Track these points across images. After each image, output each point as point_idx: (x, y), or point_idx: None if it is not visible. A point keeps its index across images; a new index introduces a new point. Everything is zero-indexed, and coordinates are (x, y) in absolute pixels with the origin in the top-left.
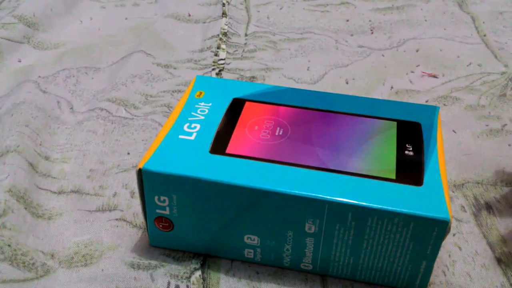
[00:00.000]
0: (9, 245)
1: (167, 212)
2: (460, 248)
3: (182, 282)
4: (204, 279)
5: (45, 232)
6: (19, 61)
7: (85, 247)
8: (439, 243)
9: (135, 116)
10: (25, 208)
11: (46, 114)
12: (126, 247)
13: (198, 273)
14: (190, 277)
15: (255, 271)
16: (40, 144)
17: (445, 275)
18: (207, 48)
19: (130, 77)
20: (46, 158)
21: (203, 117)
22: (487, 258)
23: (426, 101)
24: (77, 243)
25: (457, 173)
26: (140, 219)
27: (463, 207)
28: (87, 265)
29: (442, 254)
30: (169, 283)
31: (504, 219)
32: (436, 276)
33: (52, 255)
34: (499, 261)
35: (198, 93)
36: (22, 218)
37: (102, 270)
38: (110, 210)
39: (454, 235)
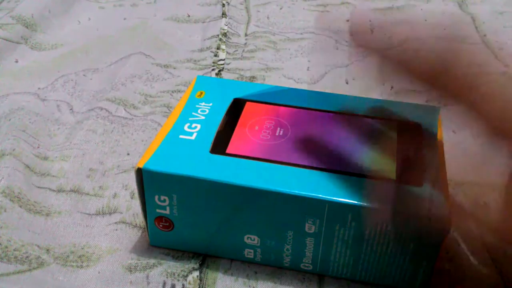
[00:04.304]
0: None
1: (167, 211)
2: (458, 245)
3: (179, 280)
4: (201, 279)
5: (41, 227)
6: (16, 62)
7: (82, 248)
8: (439, 244)
9: (135, 116)
10: (20, 206)
11: (45, 118)
12: (125, 250)
13: (196, 273)
14: (187, 276)
15: (254, 270)
16: (38, 147)
17: (440, 272)
18: (207, 48)
19: (130, 77)
20: (45, 158)
21: (203, 117)
22: (483, 257)
23: (426, 101)
24: (74, 244)
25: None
26: (140, 219)
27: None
28: (83, 267)
29: (441, 250)
30: (164, 283)
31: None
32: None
33: (48, 250)
34: (494, 260)
35: (198, 93)
36: (16, 215)
37: (99, 272)
38: (110, 213)
39: (453, 231)
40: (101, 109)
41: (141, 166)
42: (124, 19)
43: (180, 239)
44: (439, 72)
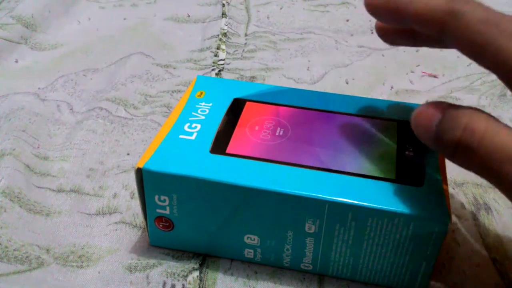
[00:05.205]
0: None
1: (167, 211)
2: (458, 245)
3: (179, 280)
4: (201, 279)
5: (41, 227)
6: (16, 62)
7: (82, 248)
8: (439, 243)
9: (135, 116)
10: (20, 206)
11: (45, 118)
12: (125, 250)
13: (196, 273)
14: (187, 276)
15: (254, 270)
16: (38, 147)
17: (440, 272)
18: (207, 48)
19: (130, 77)
20: (45, 158)
21: (203, 117)
22: (483, 257)
23: (427, 101)
24: (73, 244)
25: (457, 173)
26: (140, 219)
27: (463, 204)
28: (83, 267)
29: (441, 250)
30: (164, 283)
31: (502, 220)
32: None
33: (48, 250)
34: (494, 261)
35: (199, 93)
36: (16, 215)
37: (99, 272)
38: (110, 213)
39: (453, 231)
40: (101, 109)
41: (141, 166)
42: (124, 19)
43: (180, 239)
44: None
